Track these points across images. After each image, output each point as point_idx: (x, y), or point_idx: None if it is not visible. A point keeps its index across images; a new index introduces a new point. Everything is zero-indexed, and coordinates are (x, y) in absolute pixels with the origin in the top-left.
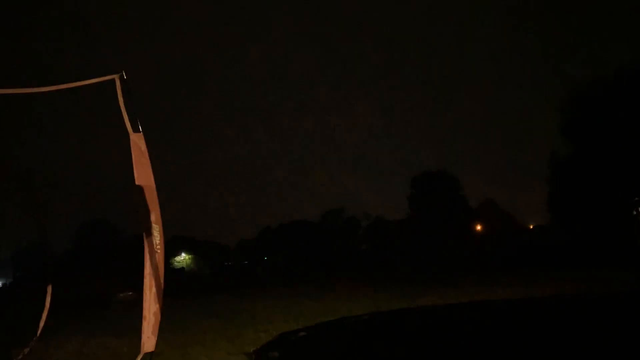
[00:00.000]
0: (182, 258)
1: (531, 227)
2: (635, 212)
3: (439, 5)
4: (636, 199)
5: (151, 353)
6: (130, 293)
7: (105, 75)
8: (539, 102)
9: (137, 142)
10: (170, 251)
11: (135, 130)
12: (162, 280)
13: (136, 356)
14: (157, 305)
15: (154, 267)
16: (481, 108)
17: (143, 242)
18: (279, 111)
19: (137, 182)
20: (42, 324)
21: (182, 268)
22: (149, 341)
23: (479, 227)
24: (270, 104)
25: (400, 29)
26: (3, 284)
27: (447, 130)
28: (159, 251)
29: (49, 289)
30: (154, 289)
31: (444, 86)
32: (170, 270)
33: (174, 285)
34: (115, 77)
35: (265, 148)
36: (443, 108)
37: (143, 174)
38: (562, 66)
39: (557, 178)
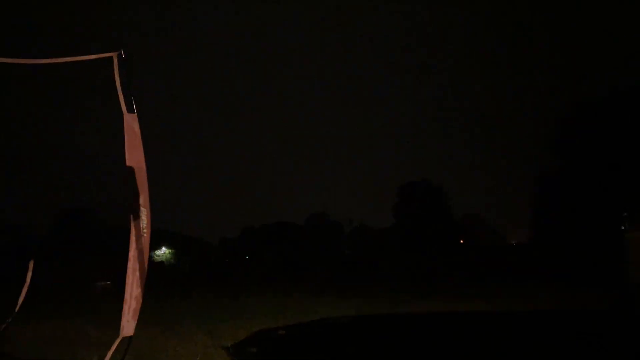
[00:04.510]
0: (163, 252)
1: (513, 243)
2: (623, 227)
3: (430, 17)
4: (624, 214)
5: (130, 337)
6: (108, 282)
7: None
8: (526, 119)
9: (131, 123)
10: (151, 244)
11: (130, 110)
12: (146, 265)
13: (112, 342)
14: (139, 290)
15: (139, 250)
16: (470, 123)
17: (130, 225)
18: (269, 115)
19: (128, 164)
20: (21, 299)
21: (162, 262)
22: (128, 325)
23: (461, 241)
24: (261, 107)
25: (391, 40)
26: None
27: (434, 143)
28: (145, 235)
29: (31, 264)
30: (137, 273)
31: (433, 99)
32: (150, 262)
33: (154, 279)
34: (114, 54)
35: (253, 151)
36: (432, 121)
37: (135, 156)
38: (551, 84)
39: (543, 194)
